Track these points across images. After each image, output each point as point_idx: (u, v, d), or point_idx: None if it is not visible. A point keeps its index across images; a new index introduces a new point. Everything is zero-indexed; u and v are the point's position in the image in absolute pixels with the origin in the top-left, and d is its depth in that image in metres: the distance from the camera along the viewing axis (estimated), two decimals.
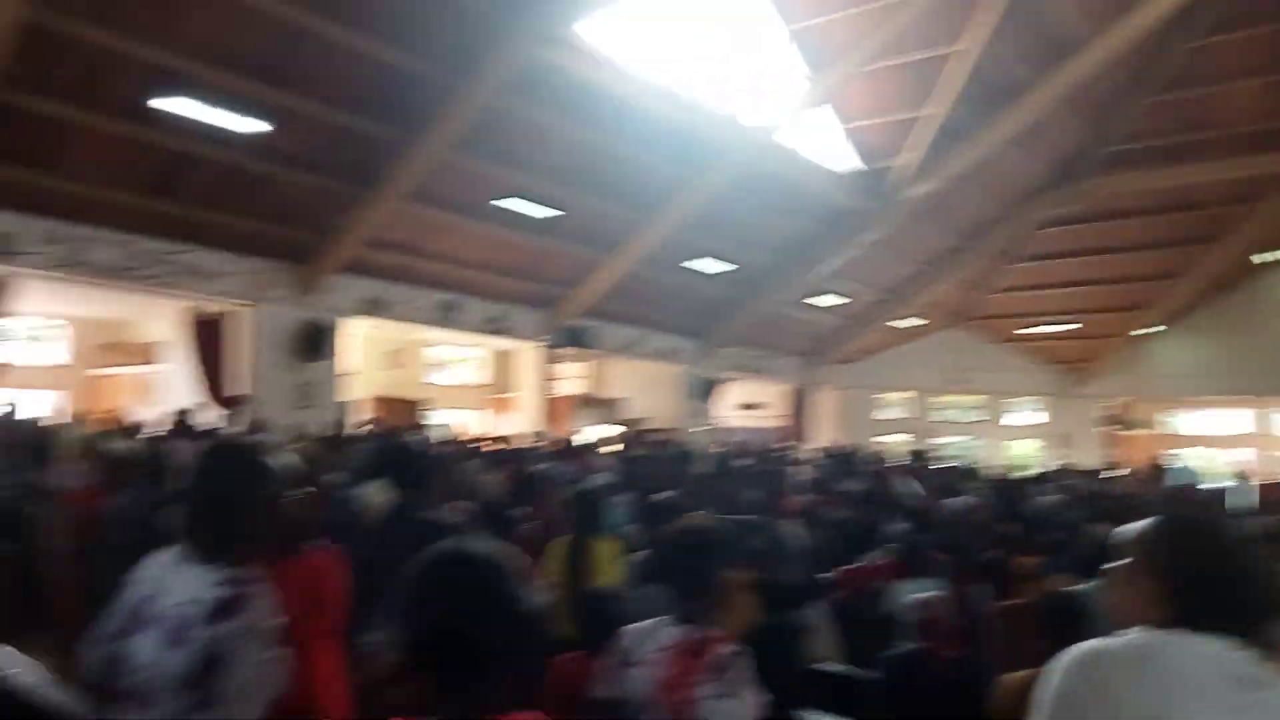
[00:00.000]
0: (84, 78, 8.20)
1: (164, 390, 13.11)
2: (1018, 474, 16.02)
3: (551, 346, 14.97)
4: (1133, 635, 1.47)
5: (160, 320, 12.95)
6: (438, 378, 18.16)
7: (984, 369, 21.68)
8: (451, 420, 16.22)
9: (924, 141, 13.17)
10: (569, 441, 12.91)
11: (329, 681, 2.50)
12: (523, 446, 12.33)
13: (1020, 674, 2.41)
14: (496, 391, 18.20)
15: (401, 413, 15.86)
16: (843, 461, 15.14)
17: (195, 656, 1.70)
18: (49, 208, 9.24)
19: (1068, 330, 20.71)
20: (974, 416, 22.97)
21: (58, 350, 15.32)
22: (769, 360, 19.73)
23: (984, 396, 22.53)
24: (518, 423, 15.26)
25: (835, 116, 13.87)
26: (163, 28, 8.08)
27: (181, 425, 9.40)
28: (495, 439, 13.44)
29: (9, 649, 2.76)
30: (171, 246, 10.22)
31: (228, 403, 11.19)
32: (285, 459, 1.96)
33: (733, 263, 15.26)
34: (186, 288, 10.53)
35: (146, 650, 1.76)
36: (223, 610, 1.72)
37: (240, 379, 11.31)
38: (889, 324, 20.11)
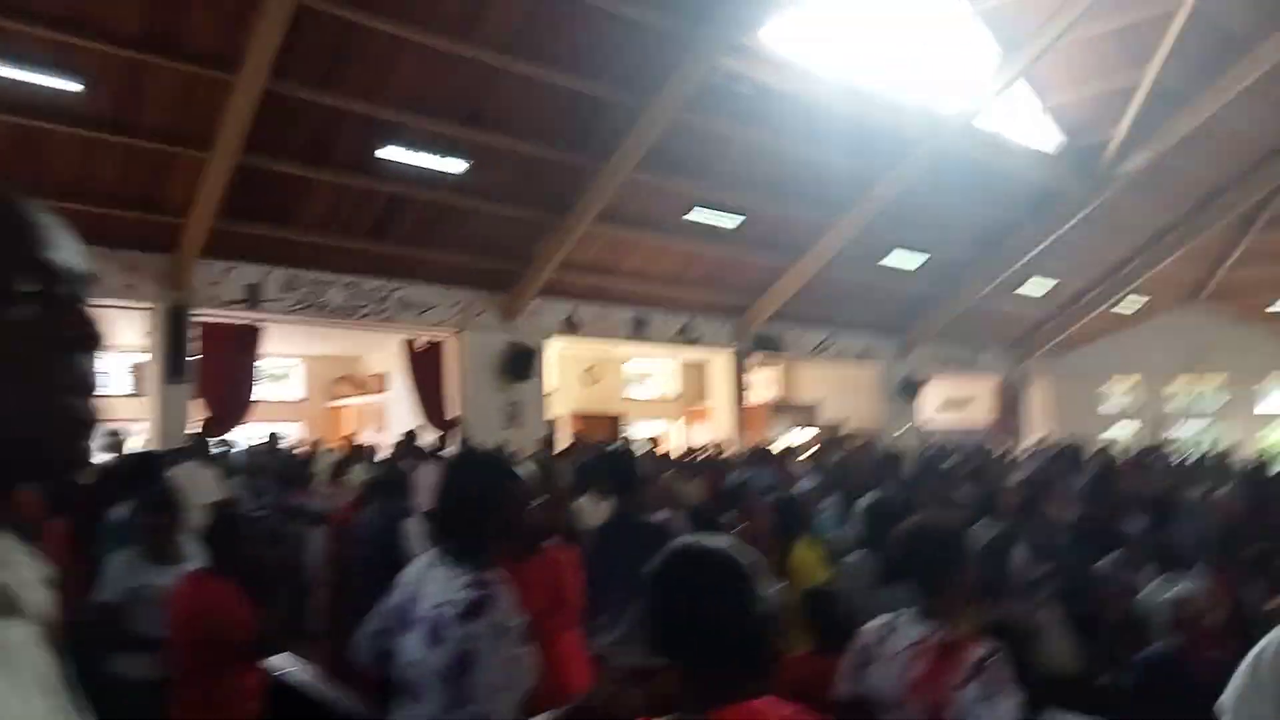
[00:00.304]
0: (312, 138, 9.12)
1: (389, 416, 14.27)
2: (1274, 464, 14.28)
3: (742, 353, 14.95)
4: None
5: (383, 352, 14.12)
6: (634, 391, 18.60)
7: (1226, 349, 19.47)
8: (649, 432, 16.57)
9: (1135, 110, 12.07)
10: (766, 448, 12.82)
11: (576, 672, 2.61)
12: (720, 455, 12.39)
13: None
14: (690, 402, 18.40)
15: (601, 428, 16.40)
16: (1065, 456, 14.08)
17: (451, 655, 1.80)
18: (286, 258, 10.35)
19: None
20: (1216, 403, 20.62)
21: (296, 386, 17.01)
22: (974, 355, 18.72)
23: (1226, 381, 20.18)
24: (713, 432, 15.33)
25: (1034, 95, 13.03)
26: (374, 83, 8.85)
27: (408, 447, 10.17)
28: (693, 449, 13.57)
29: (287, 653, 3.07)
30: (389, 284, 11.14)
31: (444, 425, 12.02)
32: (525, 467, 2.07)
33: (927, 254, 14.64)
34: (403, 320, 11.42)
35: (412, 648, 1.90)
36: (472, 611, 1.81)
37: (454, 402, 12.12)
38: (1108, 308, 18.50)
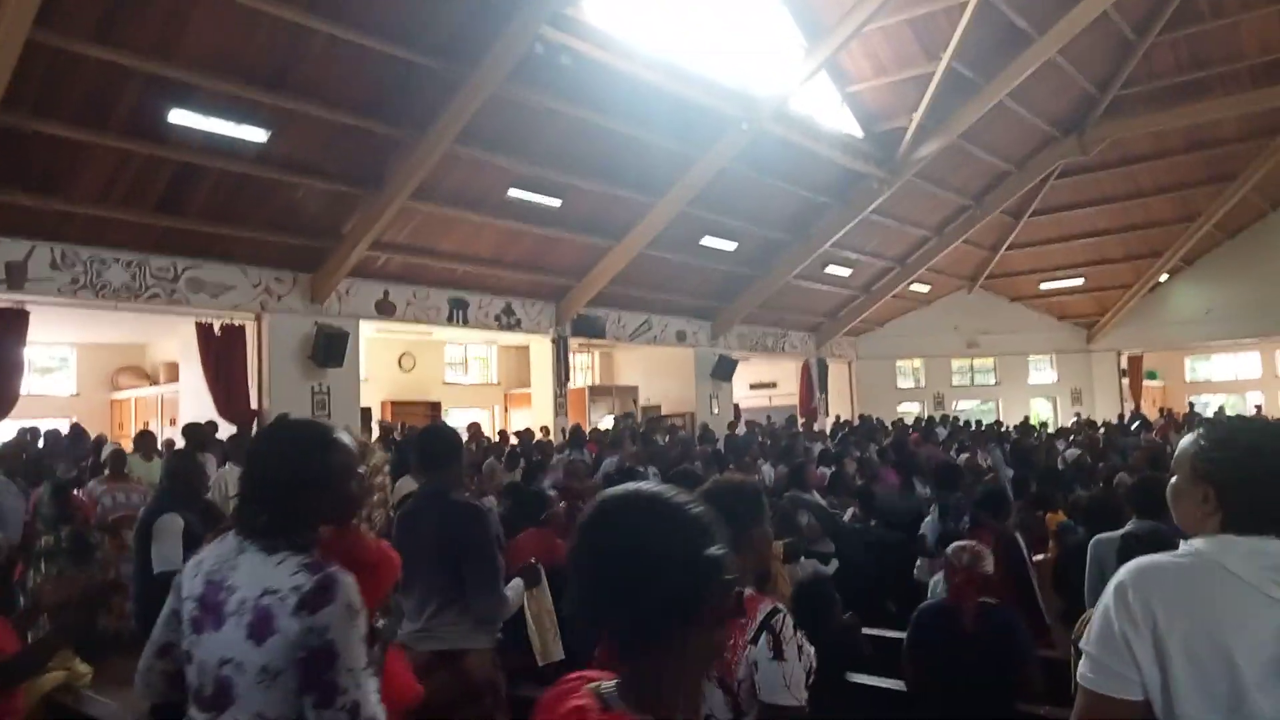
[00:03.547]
0: (87, 97, 8.18)
1: (181, 409, 13.17)
2: (1038, 431, 16.04)
3: (562, 338, 14.96)
4: (1184, 547, 1.48)
5: (174, 339, 12.99)
6: (451, 377, 18.19)
7: (999, 329, 21.61)
8: (468, 419, 16.27)
9: (928, 98, 13.02)
10: (583, 431, 12.93)
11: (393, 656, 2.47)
12: (539, 439, 12.38)
13: None
14: (510, 387, 18.23)
15: (418, 415, 15.93)
16: (862, 431, 15.16)
17: (285, 650, 1.65)
18: (56, 232, 9.25)
19: (1081, 284, 20.63)
20: (992, 379, 22.85)
21: (67, 378, 15.35)
22: (781, 337, 19.70)
23: (1001, 358, 22.40)
24: (534, 417, 15.27)
25: (833, 83, 13.78)
26: (163, 39, 8.04)
27: (199, 440, 9.40)
28: (511, 434, 13.50)
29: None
30: (179, 262, 10.23)
31: (245, 416, 11.21)
32: (344, 436, 1.92)
33: (737, 240, 15.23)
34: (196, 303, 10.52)
35: (224, 646, 1.70)
36: (315, 598, 1.66)
37: (256, 391, 11.34)
38: (901, 291, 20.00)
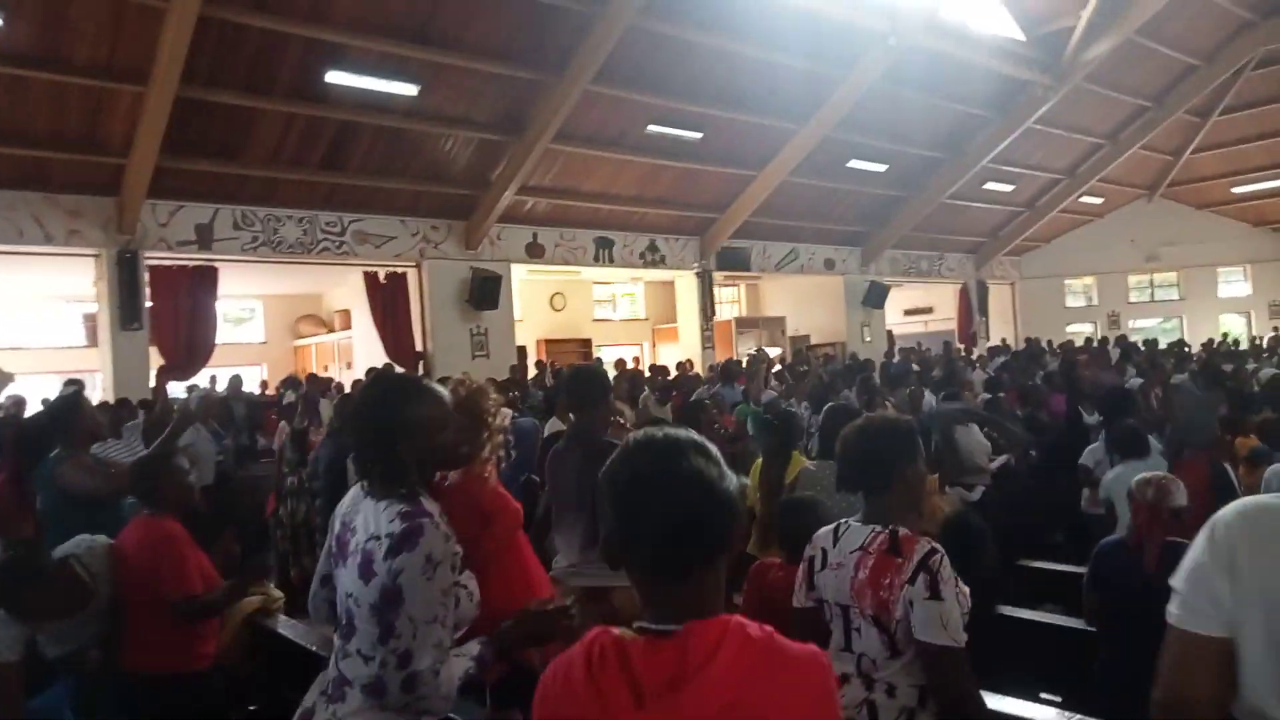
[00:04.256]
0: (253, 65, 8.72)
1: (356, 354, 14.13)
2: (1229, 350, 14.67)
3: (707, 272, 14.91)
4: None
5: (345, 288, 13.88)
6: (600, 314, 18.54)
7: (1184, 240, 19.78)
8: (618, 355, 16.59)
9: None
10: (733, 365, 12.88)
11: (526, 588, 2.57)
12: (687, 374, 12.45)
13: None
14: (658, 323, 18.40)
15: (570, 353, 16.40)
16: (1025, 356, 14.36)
17: (378, 589, 1.76)
18: (236, 195, 10.02)
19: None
20: (1175, 294, 21.03)
21: (257, 327, 16.71)
22: (937, 260, 18.83)
23: (1185, 271, 20.54)
24: (682, 351, 15.38)
25: None
26: (315, 4, 8.45)
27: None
28: (659, 368, 13.60)
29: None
30: (345, 217, 10.88)
31: (411, 359, 11.92)
32: (438, 389, 1.99)
33: (887, 162, 14.58)
34: (362, 254, 11.19)
35: (347, 581, 1.85)
36: (398, 545, 1.75)
37: (420, 335, 12.00)
38: (1070, 205, 18.60)
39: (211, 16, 7.85)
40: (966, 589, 1.97)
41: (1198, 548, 1.31)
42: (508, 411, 2.81)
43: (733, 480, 1.18)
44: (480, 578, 2.05)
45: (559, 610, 2.03)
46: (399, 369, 11.20)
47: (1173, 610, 1.29)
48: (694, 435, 1.20)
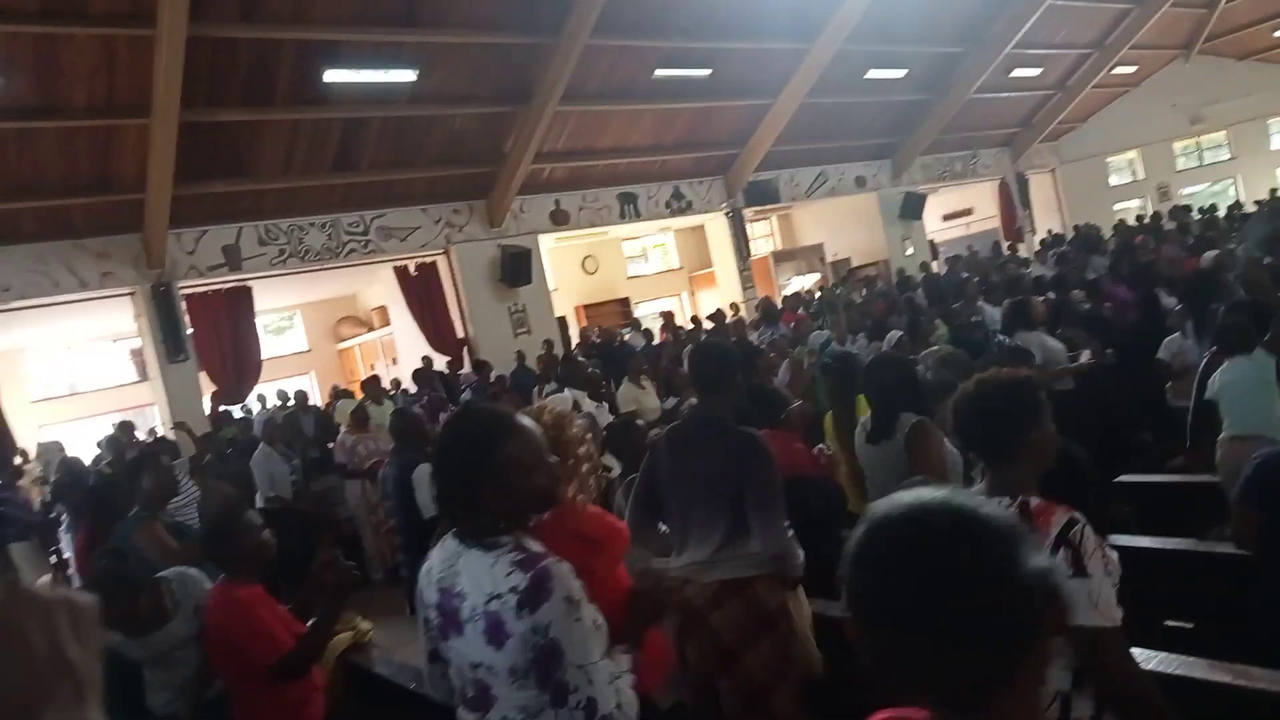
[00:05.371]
0: (250, 76, 8.56)
1: (399, 348, 14.12)
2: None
3: (736, 210, 14.54)
4: None
5: (378, 285, 13.82)
6: (634, 271, 18.29)
7: (1229, 96, 18.72)
8: (658, 308, 16.38)
9: None
10: (773, 304, 12.57)
11: (618, 608, 2.39)
12: (728, 320, 12.19)
13: None
14: (694, 269, 18.10)
15: (609, 315, 16.23)
16: (1080, 245, 13.79)
17: (526, 650, 1.62)
18: (256, 210, 9.95)
19: None
20: (1225, 154, 20.02)
21: (298, 336, 16.78)
22: (971, 160, 18.14)
23: (1233, 128, 19.51)
24: (721, 296, 15.11)
25: None
26: (300, 4, 8.24)
27: (425, 379, 10.03)
28: (701, 320, 13.35)
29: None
30: (366, 215, 10.74)
31: (455, 346, 11.85)
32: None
33: (906, 66, 13.98)
34: (389, 249, 11.07)
35: (470, 651, 1.70)
36: (533, 596, 1.62)
37: (459, 321, 11.91)
38: (1104, 78, 17.68)
39: (200, 36, 7.70)
40: (1114, 554, 1.77)
41: None
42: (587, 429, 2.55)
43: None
44: (600, 600, 1.91)
45: (661, 589, 2.03)
46: (443, 363, 11.17)
47: None
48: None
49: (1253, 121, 19.32)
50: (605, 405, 7.15)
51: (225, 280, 10.05)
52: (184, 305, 9.73)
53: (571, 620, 1.64)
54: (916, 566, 0.84)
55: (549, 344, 11.31)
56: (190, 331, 9.82)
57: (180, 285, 9.64)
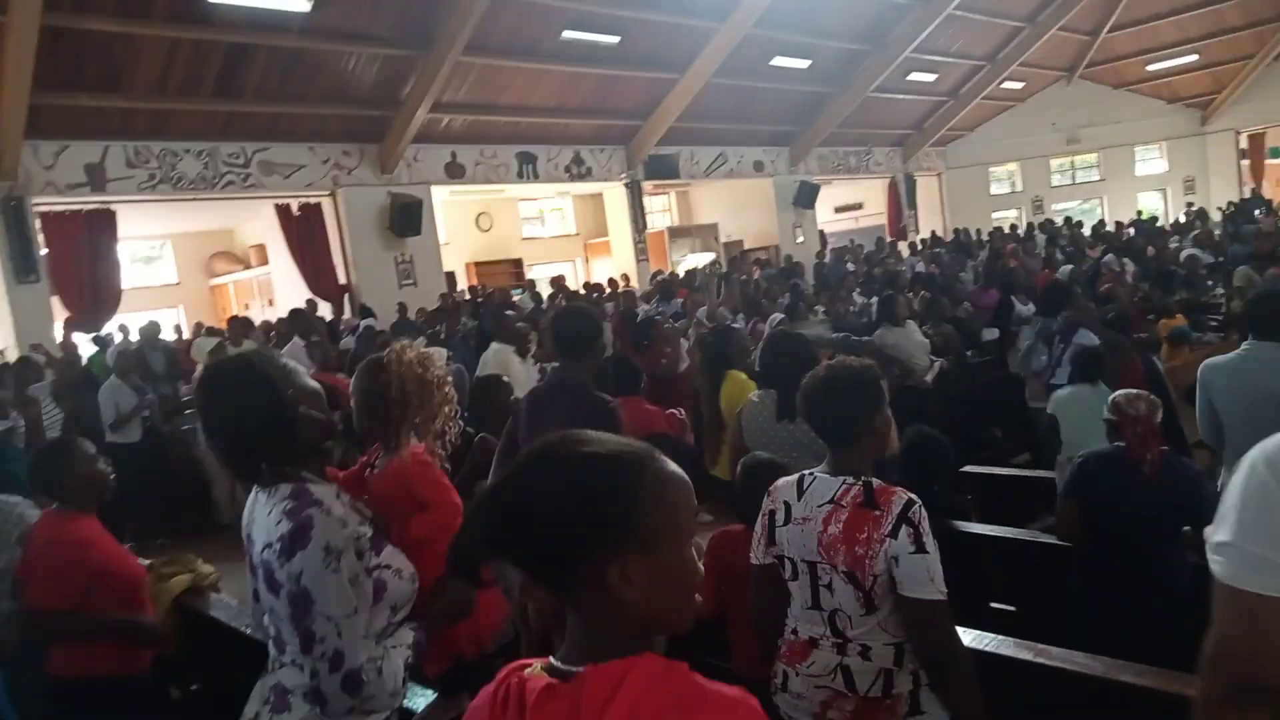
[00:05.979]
0: None
1: (276, 290, 13.54)
2: (1149, 227, 15.02)
3: (634, 182, 14.55)
4: None
5: (259, 221, 13.17)
6: (529, 232, 18.07)
7: (1102, 120, 19.95)
8: (549, 273, 16.25)
9: None
10: (669, 279, 12.68)
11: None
12: (625, 291, 12.23)
13: None
14: (589, 237, 18.04)
15: (500, 275, 16.00)
16: (955, 247, 14.50)
17: (287, 597, 1.63)
18: (125, 129, 9.30)
19: (1195, 60, 18.66)
20: (1095, 175, 21.36)
21: (167, 268, 15.83)
22: (864, 156, 18.70)
23: (1103, 151, 20.83)
24: (614, 266, 15.13)
25: None
26: None
27: (295, 325, 9.62)
28: (592, 286, 13.35)
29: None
30: (248, 146, 10.21)
31: (336, 292, 11.47)
32: (285, 363, 1.78)
33: (810, 57, 14.25)
34: (270, 186, 10.56)
35: (264, 597, 1.72)
36: (290, 545, 1.61)
37: (341, 267, 11.51)
38: (992, 91, 18.54)
39: None
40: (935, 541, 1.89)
41: (1242, 490, 1.07)
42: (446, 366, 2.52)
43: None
44: (415, 561, 1.89)
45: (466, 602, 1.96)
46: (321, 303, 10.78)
47: (1230, 569, 1.06)
48: None
49: (1122, 147, 20.67)
50: (533, 363, 6.90)
51: (87, 200, 9.37)
52: (38, 224, 9.03)
53: (327, 570, 1.62)
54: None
55: (445, 296, 11.08)
56: (45, 252, 9.14)
57: (35, 201, 8.93)
